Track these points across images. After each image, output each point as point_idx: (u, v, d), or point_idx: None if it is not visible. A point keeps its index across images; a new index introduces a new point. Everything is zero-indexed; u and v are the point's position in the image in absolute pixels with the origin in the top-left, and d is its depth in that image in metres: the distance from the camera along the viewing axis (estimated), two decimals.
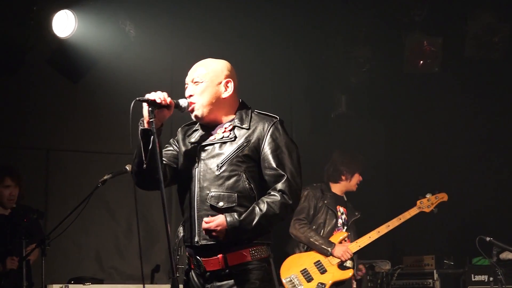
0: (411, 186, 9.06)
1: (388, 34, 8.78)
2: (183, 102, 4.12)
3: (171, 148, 4.29)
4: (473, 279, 7.75)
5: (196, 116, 4.16)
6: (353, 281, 7.21)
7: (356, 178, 7.45)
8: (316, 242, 7.11)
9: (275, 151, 4.05)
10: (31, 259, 6.81)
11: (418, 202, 7.22)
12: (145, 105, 3.97)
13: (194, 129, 4.28)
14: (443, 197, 7.26)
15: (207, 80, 4.14)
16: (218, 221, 3.90)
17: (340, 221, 7.27)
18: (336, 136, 9.29)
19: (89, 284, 7.09)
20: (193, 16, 8.45)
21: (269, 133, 4.08)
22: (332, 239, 7.12)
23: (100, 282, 7.56)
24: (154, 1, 8.19)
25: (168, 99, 4.02)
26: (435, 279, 7.94)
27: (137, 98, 3.97)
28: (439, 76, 8.61)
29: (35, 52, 7.33)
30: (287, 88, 9.41)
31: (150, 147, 3.92)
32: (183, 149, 4.23)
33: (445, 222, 8.84)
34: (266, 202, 3.97)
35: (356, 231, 7.31)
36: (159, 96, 3.99)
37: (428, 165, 9.29)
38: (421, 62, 8.42)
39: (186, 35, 8.42)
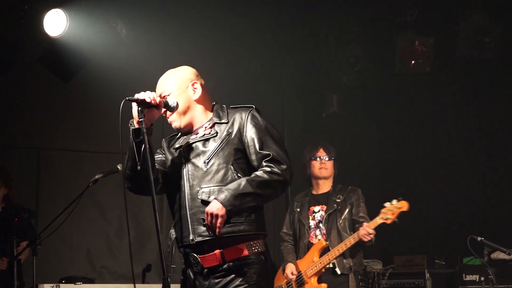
0: (403, 185, 9.08)
1: (380, 34, 8.79)
2: (172, 102, 4.16)
3: (160, 155, 4.34)
4: (464, 279, 7.76)
5: (176, 128, 4.23)
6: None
7: (312, 165, 7.21)
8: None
9: (257, 136, 4.10)
10: (22, 258, 6.80)
11: (381, 211, 6.75)
12: (134, 105, 3.98)
13: (177, 137, 4.34)
14: (403, 206, 6.68)
15: (174, 89, 4.19)
16: (213, 206, 3.89)
17: (313, 222, 7.08)
18: (328, 136, 9.28)
19: (80, 284, 7.08)
20: (184, 15, 8.44)
21: (248, 121, 4.13)
22: (310, 252, 6.94)
23: (91, 281, 7.57)
24: (146, 0, 8.18)
25: (158, 99, 4.04)
26: (426, 278, 7.94)
27: (127, 98, 3.98)
28: (430, 76, 8.62)
29: (26, 51, 7.31)
30: (278, 88, 9.42)
31: (142, 148, 3.94)
32: (169, 156, 4.28)
33: (436, 222, 8.86)
34: (254, 173, 4.02)
35: (336, 225, 6.98)
36: (148, 95, 4.00)
37: (420, 165, 9.31)
38: (413, 62, 8.43)
39: (177, 35, 8.41)
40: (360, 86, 9.09)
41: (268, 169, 4.01)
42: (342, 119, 9.41)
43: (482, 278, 6.77)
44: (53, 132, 8.20)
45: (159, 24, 8.30)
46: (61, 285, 7.02)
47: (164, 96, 4.19)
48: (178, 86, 4.21)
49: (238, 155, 4.09)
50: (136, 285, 7.72)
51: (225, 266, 4.01)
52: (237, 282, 3.99)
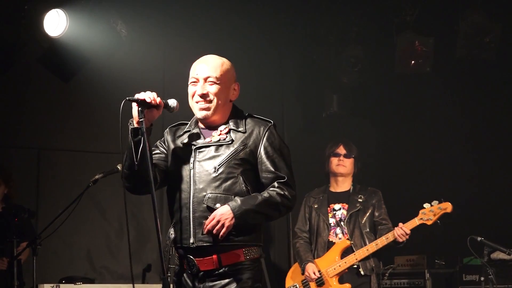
0: (402, 185, 9.08)
1: (380, 34, 8.79)
2: (172, 103, 4.12)
3: (159, 151, 4.29)
4: (464, 279, 7.76)
5: (206, 116, 4.16)
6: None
7: (330, 161, 7.21)
8: (298, 260, 7.05)
9: (272, 155, 4.12)
10: (22, 258, 6.79)
11: (420, 212, 6.82)
12: (134, 105, 3.97)
13: (184, 130, 4.28)
14: (447, 207, 6.81)
15: (223, 82, 4.17)
16: (224, 214, 3.92)
17: (333, 220, 7.04)
18: (328, 136, 9.28)
19: (80, 284, 7.08)
20: (184, 15, 8.44)
21: (265, 137, 4.14)
22: (331, 251, 6.92)
23: (91, 281, 7.57)
24: (146, 0, 8.18)
25: (158, 99, 4.02)
26: (426, 278, 7.94)
27: (127, 98, 3.97)
28: (430, 76, 8.61)
29: (26, 51, 7.30)
30: (278, 88, 9.41)
31: (140, 147, 3.92)
32: (172, 147, 4.24)
33: (436, 221, 8.84)
34: (267, 191, 4.06)
35: (358, 225, 6.98)
36: (149, 95, 3.99)
37: (419, 165, 9.30)
38: (413, 62, 8.42)
39: (177, 35, 8.41)
40: (360, 86, 9.09)
41: (281, 192, 4.06)
42: (342, 119, 9.40)
43: (482, 278, 6.77)
44: (53, 132, 8.19)
45: (159, 24, 8.30)
46: (61, 285, 7.02)
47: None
48: (226, 81, 4.19)
49: (247, 167, 4.10)
50: (136, 285, 7.73)
51: (221, 270, 4.02)
52: (233, 287, 4.01)
